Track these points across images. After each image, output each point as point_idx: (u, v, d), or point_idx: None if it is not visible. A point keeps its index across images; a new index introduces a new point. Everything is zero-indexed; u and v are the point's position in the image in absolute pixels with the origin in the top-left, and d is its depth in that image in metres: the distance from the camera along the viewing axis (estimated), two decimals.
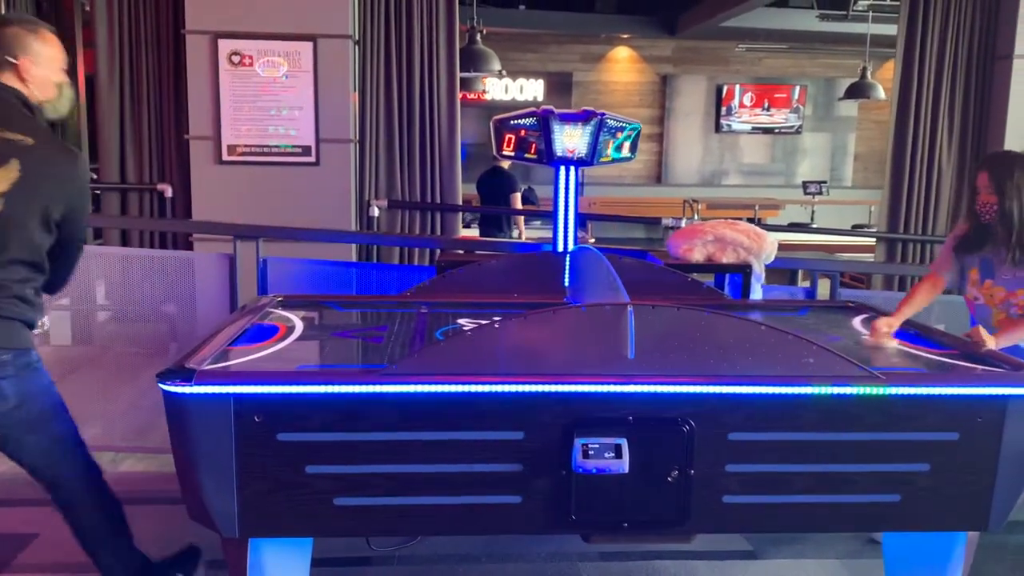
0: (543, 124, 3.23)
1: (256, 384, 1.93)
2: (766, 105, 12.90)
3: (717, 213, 9.85)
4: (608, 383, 2.02)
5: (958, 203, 5.64)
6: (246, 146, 4.97)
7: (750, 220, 5.10)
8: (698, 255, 3.55)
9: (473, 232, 8.02)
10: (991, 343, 2.50)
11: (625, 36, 12.50)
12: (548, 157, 3.28)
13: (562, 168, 3.34)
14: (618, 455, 1.99)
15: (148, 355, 4.51)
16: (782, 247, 3.69)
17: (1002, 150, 3.92)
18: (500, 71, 7.34)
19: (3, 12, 4.98)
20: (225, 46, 4.87)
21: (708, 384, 2.04)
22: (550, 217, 4.16)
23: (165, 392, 1.93)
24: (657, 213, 7.76)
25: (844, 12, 10.24)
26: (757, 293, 3.51)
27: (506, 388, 1.99)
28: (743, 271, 3.50)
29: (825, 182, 11.52)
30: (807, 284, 4.49)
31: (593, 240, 7.44)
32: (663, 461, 2.04)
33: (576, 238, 3.39)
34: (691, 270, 3.38)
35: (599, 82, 12.73)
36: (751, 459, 2.08)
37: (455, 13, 5.27)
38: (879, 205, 5.86)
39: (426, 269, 5.10)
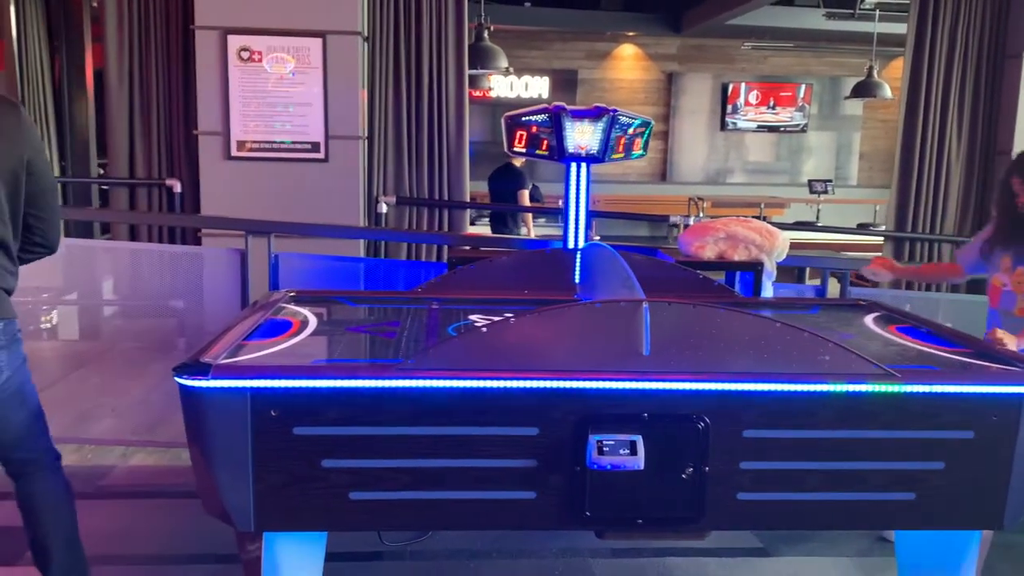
0: (555, 120, 3.22)
1: (273, 378, 1.94)
2: (772, 103, 12.88)
3: (722, 211, 9.86)
4: (623, 379, 2.02)
5: (967, 202, 5.63)
6: (255, 142, 4.97)
7: (756, 218, 5.08)
8: (710, 252, 3.55)
9: (480, 229, 8.02)
10: (1012, 343, 2.50)
11: (630, 34, 12.48)
12: (559, 154, 3.28)
13: (573, 165, 3.34)
14: (633, 452, 1.99)
15: (156, 350, 4.53)
16: (790, 246, 3.68)
17: None
18: (507, 68, 7.33)
19: (11, 11, 4.99)
20: (234, 42, 4.87)
21: (723, 381, 2.03)
22: (556, 214, 4.14)
23: (182, 386, 1.93)
24: (662, 211, 7.76)
25: (851, 11, 10.22)
26: (768, 291, 3.51)
27: (521, 384, 1.99)
28: (755, 269, 3.50)
29: (830, 181, 11.50)
30: (817, 282, 4.48)
31: (598, 237, 7.43)
32: (678, 458, 2.04)
33: (588, 235, 3.38)
34: (702, 267, 3.37)
35: (604, 80, 12.71)
36: (766, 456, 2.08)
37: (464, 10, 5.27)
38: (887, 203, 5.85)
39: (434, 265, 5.11)
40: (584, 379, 2.01)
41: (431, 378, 1.97)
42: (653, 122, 3.46)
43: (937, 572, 2.33)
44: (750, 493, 2.09)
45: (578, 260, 3.21)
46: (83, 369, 4.45)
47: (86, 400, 4.17)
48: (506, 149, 3.42)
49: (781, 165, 13.21)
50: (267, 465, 1.95)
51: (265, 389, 1.92)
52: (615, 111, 3.23)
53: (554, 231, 7.36)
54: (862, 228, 9.18)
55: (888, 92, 8.93)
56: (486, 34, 7.10)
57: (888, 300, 3.53)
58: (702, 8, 11.10)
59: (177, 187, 5.18)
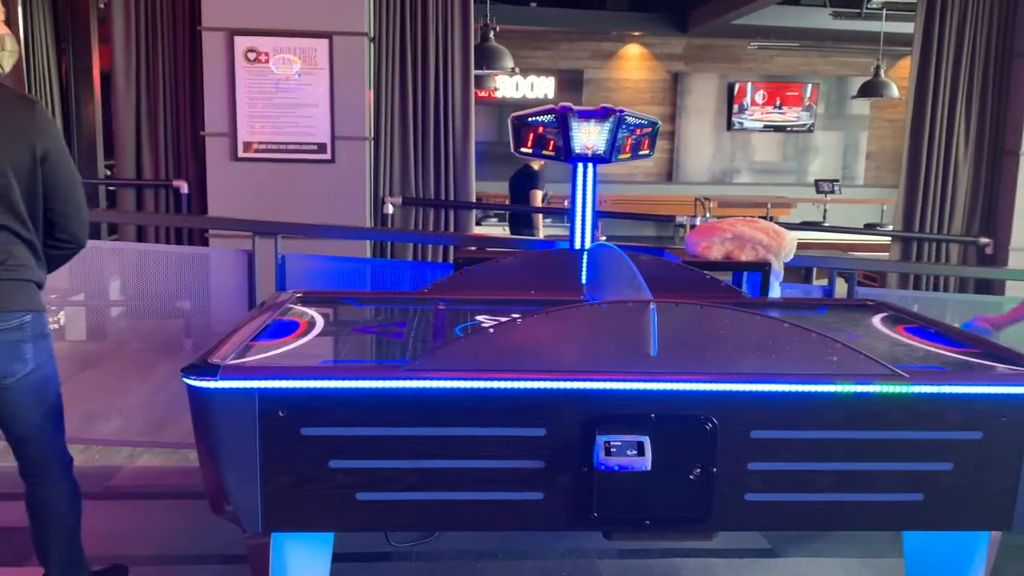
0: (561, 121, 3.22)
1: (281, 379, 1.94)
2: (778, 103, 12.85)
3: (729, 211, 9.84)
4: (630, 380, 2.02)
5: (975, 202, 5.61)
6: (262, 143, 4.98)
7: (763, 218, 5.07)
8: (716, 253, 3.54)
9: (487, 229, 8.03)
10: None
11: (636, 33, 12.47)
12: (566, 154, 3.28)
13: (580, 165, 3.33)
14: (640, 452, 1.99)
15: (163, 351, 4.54)
16: (797, 246, 3.68)
17: None
18: (513, 68, 7.33)
19: (19, 13, 5.00)
20: (241, 43, 4.88)
21: (731, 382, 2.03)
22: (562, 214, 4.11)
23: (190, 387, 1.94)
24: (668, 211, 7.76)
25: (858, 10, 10.19)
26: (776, 291, 3.50)
27: (528, 385, 2.00)
28: (762, 269, 3.49)
29: (837, 180, 11.47)
30: (824, 282, 4.47)
31: (604, 238, 7.42)
32: (685, 459, 2.04)
33: (594, 235, 3.38)
34: (709, 267, 3.37)
35: (610, 80, 12.70)
36: (773, 457, 2.08)
37: (470, 10, 5.27)
38: (894, 203, 5.83)
39: (439, 265, 5.11)
40: (591, 380, 2.01)
41: (438, 379, 1.97)
42: (660, 122, 3.45)
43: (946, 573, 2.32)
44: (758, 494, 2.09)
45: (585, 261, 3.21)
46: (90, 370, 4.46)
47: (93, 401, 4.18)
48: (512, 150, 3.41)
49: (788, 165, 13.18)
50: (275, 466, 1.96)
51: (273, 390, 1.93)
52: (622, 111, 3.22)
53: (561, 231, 7.36)
54: (869, 228, 9.15)
55: (895, 91, 8.90)
56: (492, 34, 7.10)
57: (895, 300, 3.52)
58: (708, 8, 11.08)
59: (184, 188, 5.19)
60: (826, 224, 9.92)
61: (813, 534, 3.13)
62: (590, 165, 3.34)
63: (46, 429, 2.41)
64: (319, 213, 4.85)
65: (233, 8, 4.85)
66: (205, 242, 5.06)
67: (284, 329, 2.45)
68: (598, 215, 3.44)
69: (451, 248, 5.15)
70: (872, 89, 8.96)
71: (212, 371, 1.92)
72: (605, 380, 2.01)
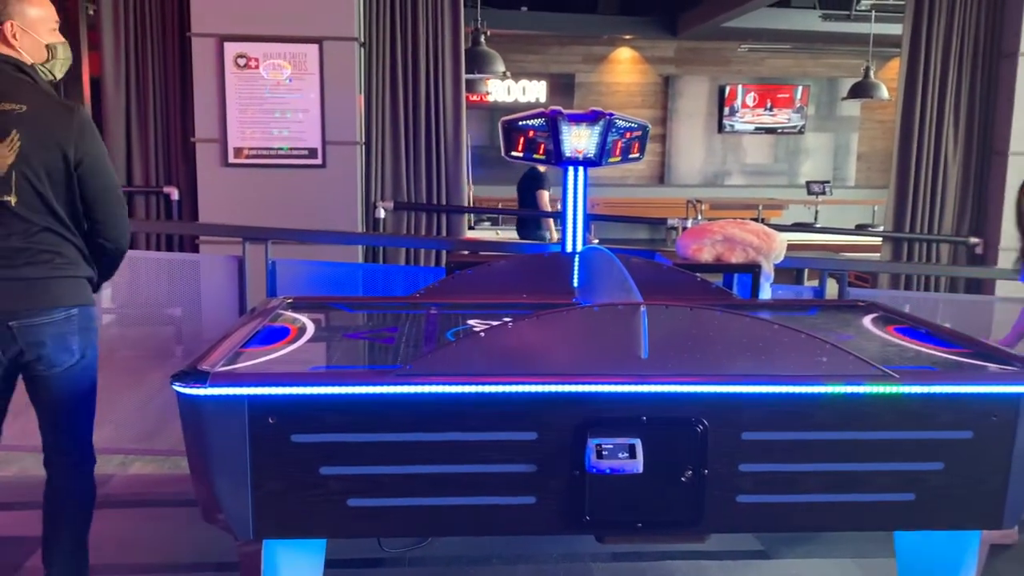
0: (551, 125, 3.23)
1: (270, 386, 1.93)
2: (769, 105, 12.90)
3: (720, 213, 9.86)
4: (621, 383, 2.02)
5: (964, 201, 5.64)
6: (252, 149, 4.97)
7: (754, 220, 5.09)
8: (707, 255, 3.55)
9: (483, 233, 8.03)
10: None
11: (627, 37, 12.50)
12: (557, 158, 3.28)
13: (570, 169, 3.34)
14: (632, 455, 1.98)
15: (154, 358, 4.52)
16: (787, 247, 3.69)
17: None
18: (504, 72, 7.34)
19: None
20: (231, 49, 4.87)
21: (722, 384, 2.03)
22: (554, 217, 4.09)
23: (179, 394, 1.93)
24: (660, 214, 7.76)
25: (847, 12, 10.25)
26: (766, 293, 3.51)
27: (519, 388, 1.99)
28: (752, 271, 3.50)
29: (828, 182, 11.51)
30: (815, 283, 4.48)
31: (597, 241, 7.44)
32: (677, 461, 2.04)
33: (586, 238, 3.39)
34: (700, 270, 3.37)
35: (601, 83, 12.73)
36: (765, 459, 2.08)
37: (460, 15, 5.27)
38: (885, 204, 5.85)
39: (432, 270, 5.10)
40: (582, 383, 2.01)
41: (429, 384, 1.97)
42: (650, 126, 3.46)
43: (937, 572, 2.32)
44: (749, 495, 2.09)
45: (576, 264, 3.21)
46: None
47: None
48: (503, 153, 3.42)
49: (779, 167, 13.22)
50: (265, 473, 1.95)
51: (263, 396, 1.92)
52: (611, 115, 3.23)
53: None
54: (860, 229, 9.18)
55: (885, 93, 8.94)
56: (483, 39, 7.11)
57: (886, 300, 3.53)
58: (698, 11, 11.11)
59: (175, 194, 5.17)
60: (817, 225, 9.95)
61: (806, 535, 3.13)
62: (581, 168, 3.34)
63: (79, 421, 2.52)
64: (310, 218, 4.85)
65: (223, 14, 4.85)
66: (195, 248, 5.05)
67: (274, 335, 2.44)
68: (590, 218, 3.45)
69: (443, 252, 5.15)
70: (862, 90, 9.00)
71: (201, 378, 1.91)
72: (596, 383, 2.01)
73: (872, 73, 8.97)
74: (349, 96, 5.00)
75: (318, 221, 4.86)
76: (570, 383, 2.00)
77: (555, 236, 7.26)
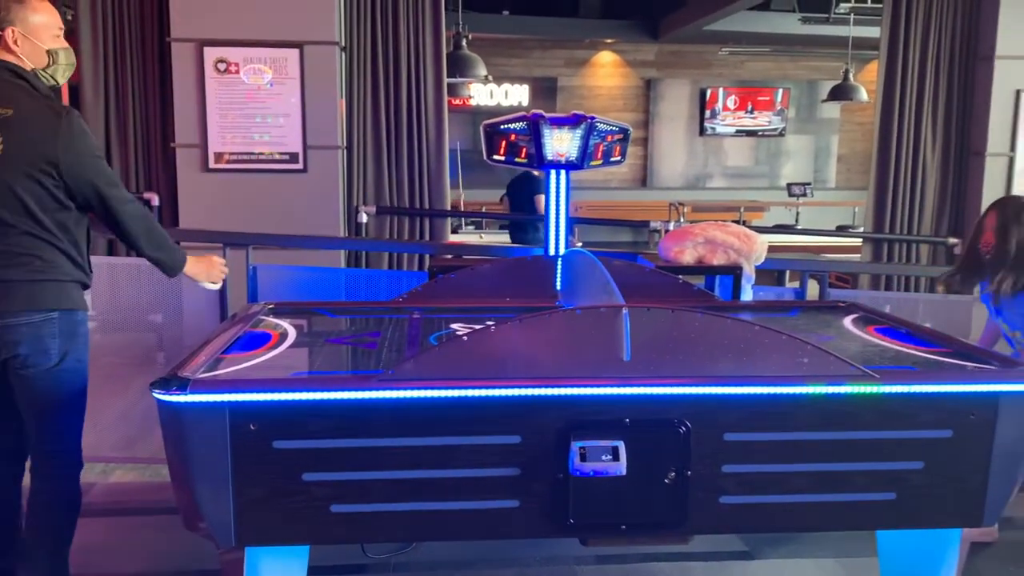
0: (533, 128, 3.23)
1: (251, 392, 1.92)
2: (749, 108, 12.96)
3: (703, 216, 9.90)
4: (604, 385, 2.02)
5: (943, 202, 5.69)
6: (233, 154, 4.94)
7: (736, 222, 5.13)
8: (689, 257, 3.56)
9: (466, 237, 8.01)
10: None
11: (609, 41, 12.54)
12: (539, 161, 3.29)
13: (552, 172, 3.35)
14: (615, 457, 1.99)
15: (135, 365, 4.48)
16: (769, 249, 3.71)
17: (1014, 195, 4.17)
18: (486, 76, 7.34)
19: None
20: (211, 54, 4.85)
21: (704, 385, 2.04)
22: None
23: (159, 401, 1.92)
24: (643, 216, 7.78)
25: (826, 15, 10.31)
26: (748, 294, 3.52)
27: (502, 392, 1.99)
28: (734, 273, 3.51)
29: (809, 184, 11.57)
30: (796, 285, 4.51)
31: (580, 244, 7.45)
32: (660, 463, 2.05)
33: (569, 241, 3.39)
34: (682, 272, 3.38)
35: (583, 87, 12.76)
36: (747, 459, 2.09)
37: (441, 19, 5.27)
38: (865, 205, 5.90)
39: (415, 274, 5.09)
40: (565, 386, 2.01)
41: (412, 388, 1.96)
42: (631, 129, 3.48)
43: (919, 570, 2.34)
44: (732, 496, 2.10)
45: (559, 267, 3.22)
46: None
47: None
48: (485, 157, 3.42)
49: (760, 169, 13.29)
50: (247, 480, 1.94)
51: (244, 403, 1.91)
52: (593, 118, 3.24)
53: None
54: (841, 230, 9.24)
55: (864, 95, 9.01)
56: (464, 42, 7.10)
57: (867, 301, 3.56)
58: (679, 14, 11.16)
59: (155, 200, 5.13)
60: (798, 227, 10.00)
61: (789, 535, 3.14)
62: (563, 172, 3.35)
63: (62, 424, 2.51)
64: (292, 223, 4.83)
65: (202, 19, 4.82)
66: None
67: (255, 341, 2.43)
68: (573, 221, 3.45)
69: (426, 256, 5.14)
70: (841, 93, 9.06)
71: (182, 385, 1.90)
72: (579, 386, 2.01)
73: (851, 76, 9.04)
74: (330, 100, 4.99)
75: (300, 226, 4.84)
76: (553, 386, 2.00)
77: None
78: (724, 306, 3.24)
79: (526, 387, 1.99)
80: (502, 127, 3.33)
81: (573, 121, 3.24)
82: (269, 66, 4.90)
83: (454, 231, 7.67)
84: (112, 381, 4.42)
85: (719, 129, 12.97)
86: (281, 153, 4.96)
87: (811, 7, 10.62)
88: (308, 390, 1.95)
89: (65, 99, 7.04)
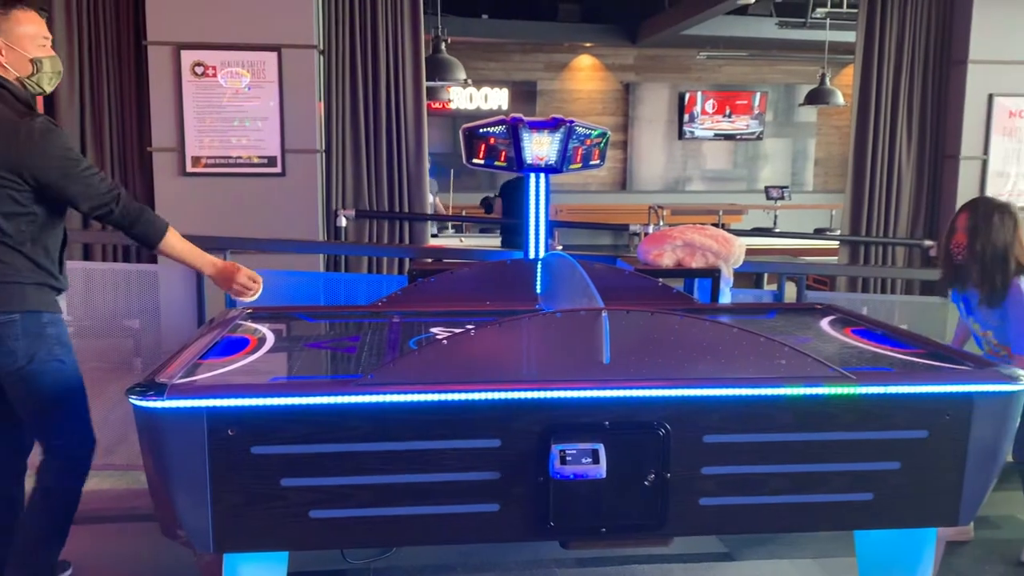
0: (512, 132, 3.24)
1: (229, 397, 1.91)
2: (728, 112, 13.04)
3: (682, 219, 9.95)
4: (584, 388, 2.03)
5: (918, 204, 5.76)
6: (210, 158, 4.91)
7: (715, 225, 5.16)
8: (668, 260, 3.58)
9: (447, 241, 7.99)
10: None
11: (588, 45, 12.58)
12: (518, 165, 3.29)
13: (532, 175, 3.35)
14: (595, 460, 1.99)
15: (112, 371, 4.44)
16: (747, 251, 3.74)
17: (984, 196, 4.19)
18: (466, 80, 7.34)
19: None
20: (188, 57, 4.81)
21: (683, 387, 2.06)
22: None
23: (136, 407, 1.90)
24: (623, 220, 7.83)
25: (802, 20, 10.40)
26: (726, 297, 3.55)
27: (482, 396, 1.99)
28: (712, 275, 3.53)
29: (787, 187, 11.65)
30: (774, 287, 4.55)
31: (561, 247, 7.45)
32: (640, 465, 2.05)
33: (549, 244, 3.40)
34: (661, 275, 3.40)
35: (563, 90, 12.79)
36: (726, 461, 2.10)
37: (420, 22, 5.27)
38: (842, 208, 5.96)
39: (395, 278, 5.08)
40: (545, 389, 2.01)
41: (391, 392, 1.96)
42: (610, 132, 3.49)
43: (896, 569, 2.36)
44: (712, 498, 2.11)
45: (539, 270, 3.22)
46: None
47: None
48: (464, 161, 3.42)
49: (738, 172, 13.38)
50: (225, 486, 1.93)
51: (221, 408, 1.90)
52: (572, 122, 3.25)
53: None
54: (818, 233, 9.31)
55: (841, 99, 9.09)
56: (443, 46, 7.10)
57: (844, 303, 3.59)
58: (658, 19, 11.22)
59: None
60: (776, 230, 10.07)
61: (769, 536, 3.16)
62: (542, 175, 3.35)
63: (44, 423, 2.57)
64: (270, 227, 4.80)
65: (179, 22, 4.78)
66: (153, 259, 4.96)
67: (234, 346, 2.42)
68: (554, 224, 3.46)
69: (406, 260, 5.13)
70: (818, 97, 9.15)
71: (159, 390, 1.88)
72: (559, 389, 2.02)
73: (828, 80, 9.13)
74: (309, 104, 4.97)
75: (278, 230, 4.81)
76: (533, 389, 2.00)
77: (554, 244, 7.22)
78: (703, 308, 3.25)
79: (506, 391, 1.99)
80: (481, 131, 3.33)
81: (552, 125, 3.25)
82: (247, 69, 4.87)
83: (433, 235, 7.64)
84: (88, 387, 4.37)
85: (698, 133, 13.04)
86: (259, 157, 4.94)
87: (788, 12, 10.71)
88: (287, 395, 1.94)
89: (39, 103, 6.98)
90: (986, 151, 5.59)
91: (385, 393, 1.95)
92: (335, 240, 5.22)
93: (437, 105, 11.30)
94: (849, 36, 7.14)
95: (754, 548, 3.12)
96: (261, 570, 2.13)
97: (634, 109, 12.91)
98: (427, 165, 5.43)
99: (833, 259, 6.53)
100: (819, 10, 9.86)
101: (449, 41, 7.23)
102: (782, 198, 11.05)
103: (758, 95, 13.02)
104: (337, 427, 1.96)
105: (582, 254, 3.91)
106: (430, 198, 7.28)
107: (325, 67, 5.10)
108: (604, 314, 2.05)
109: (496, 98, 12.49)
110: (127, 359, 4.53)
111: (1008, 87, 5.56)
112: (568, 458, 1.98)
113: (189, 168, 4.90)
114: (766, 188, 11.51)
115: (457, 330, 2.43)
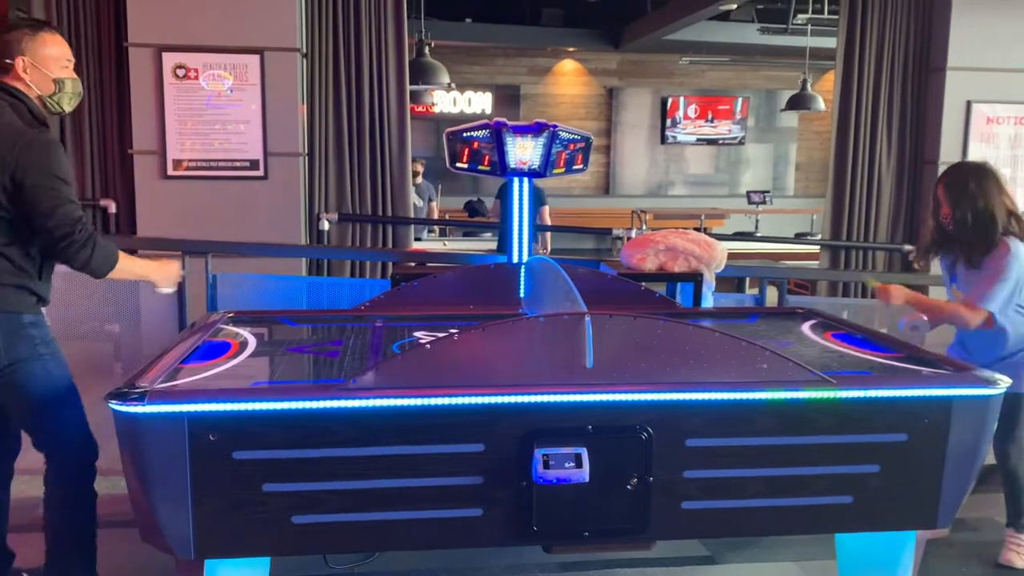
0: (496, 136, 3.24)
1: (210, 402, 1.90)
2: (710, 117, 13.12)
3: (664, 223, 9.99)
4: (567, 392, 2.03)
5: (898, 209, 5.81)
6: (192, 160, 4.88)
7: (697, 230, 5.19)
8: (650, 264, 3.60)
9: (430, 244, 7.98)
10: (898, 298, 2.97)
11: (571, 49, 12.62)
12: (502, 169, 3.30)
13: (515, 179, 3.36)
14: (578, 464, 2.00)
15: (92, 376, 4.39)
16: (729, 256, 3.76)
17: (958, 162, 4.12)
18: (449, 84, 7.34)
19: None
20: (169, 59, 4.78)
21: (665, 391, 2.06)
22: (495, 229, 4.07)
23: (116, 412, 1.89)
24: (605, 224, 7.83)
25: (784, 25, 10.48)
26: (709, 301, 3.56)
27: (465, 400, 1.99)
28: (695, 280, 3.55)
29: (768, 191, 11.74)
30: (756, 291, 4.57)
31: (546, 251, 7.47)
32: (623, 469, 2.06)
33: (532, 248, 3.40)
34: (643, 279, 3.41)
35: (546, 95, 12.82)
36: (708, 465, 2.11)
37: (403, 26, 5.26)
38: (822, 213, 6.00)
39: (378, 282, 5.07)
40: (528, 393, 2.01)
41: (374, 397, 1.95)
42: (593, 137, 3.50)
43: (876, 572, 2.38)
44: (694, 502, 2.12)
45: (522, 274, 3.22)
46: None
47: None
48: (448, 165, 3.42)
49: (720, 177, 13.46)
50: (206, 491, 1.92)
51: (202, 413, 1.89)
52: (555, 127, 3.26)
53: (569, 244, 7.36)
54: (799, 237, 9.39)
55: (821, 104, 9.16)
56: (427, 50, 7.10)
57: (825, 307, 3.61)
58: (640, 24, 11.27)
59: (112, 208, 5.05)
60: (758, 234, 10.13)
61: (751, 540, 3.17)
62: (525, 180, 3.36)
63: (33, 423, 2.56)
64: (252, 231, 4.77)
65: (161, 24, 4.76)
66: None
67: (215, 351, 2.40)
68: (537, 229, 3.46)
69: (389, 264, 5.11)
70: (800, 102, 9.21)
71: (139, 396, 1.87)
72: (542, 393, 2.02)
73: (809, 85, 9.20)
74: (291, 107, 4.95)
75: (260, 234, 4.78)
76: (516, 394, 2.00)
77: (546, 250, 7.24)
78: (685, 313, 3.26)
79: (489, 395, 1.99)
80: (465, 135, 3.33)
81: (536, 129, 3.26)
82: (229, 72, 4.85)
83: (416, 239, 7.64)
84: None
85: (680, 137, 13.11)
86: (241, 160, 4.91)
87: (769, 18, 10.80)
88: (268, 399, 1.93)
89: None
90: (964, 157, 5.65)
91: (368, 398, 1.95)
92: (318, 244, 5.20)
93: (421, 109, 11.31)
94: (830, 42, 7.20)
95: (736, 552, 3.14)
96: (242, 575, 2.12)
97: (617, 114, 12.96)
98: (410, 169, 5.42)
99: (814, 263, 6.58)
100: (800, 16, 9.94)
101: (433, 45, 7.22)
102: (763, 203, 11.13)
103: (740, 100, 13.11)
104: (320, 432, 1.95)
105: (564, 258, 3.92)
106: (418, 202, 7.27)
107: (308, 70, 5.09)
108: (587, 318, 2.05)
109: (480, 102, 12.51)
110: (107, 364, 4.49)
111: (986, 94, 5.64)
112: (551, 462, 1.98)
113: (171, 171, 4.87)
114: (748, 193, 11.60)
115: (440, 334, 2.43)
